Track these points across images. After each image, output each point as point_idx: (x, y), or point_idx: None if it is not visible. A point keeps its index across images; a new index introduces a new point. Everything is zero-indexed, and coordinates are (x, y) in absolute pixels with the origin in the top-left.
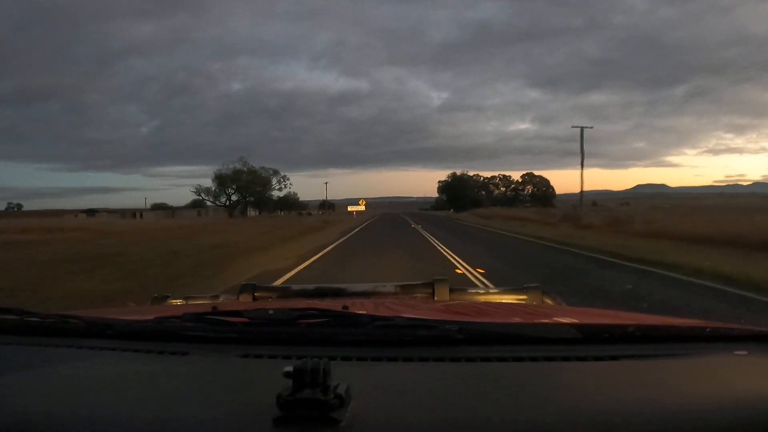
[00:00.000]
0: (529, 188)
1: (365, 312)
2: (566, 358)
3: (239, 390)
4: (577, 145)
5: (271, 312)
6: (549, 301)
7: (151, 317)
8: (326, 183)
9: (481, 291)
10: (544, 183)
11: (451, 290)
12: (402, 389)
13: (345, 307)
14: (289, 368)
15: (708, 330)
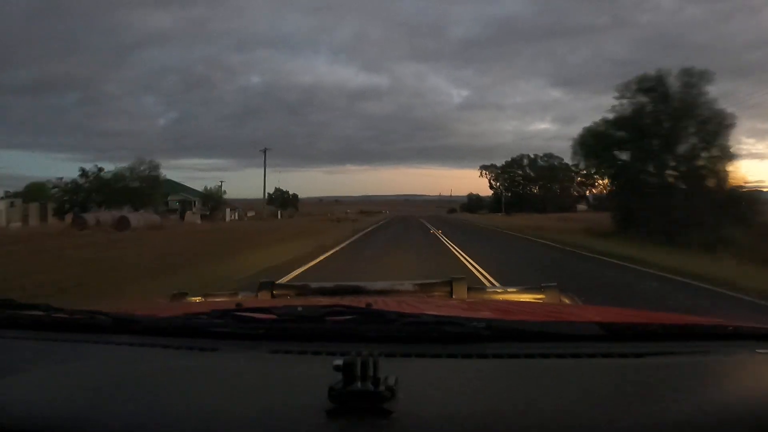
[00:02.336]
0: (597, 184)
1: (390, 309)
2: (592, 355)
3: (274, 385)
4: None
5: (299, 309)
6: (567, 300)
7: (177, 313)
8: (278, 165)
9: (499, 290)
10: None
11: (469, 289)
12: (434, 383)
13: (368, 305)
14: (339, 362)
15: (731, 329)
